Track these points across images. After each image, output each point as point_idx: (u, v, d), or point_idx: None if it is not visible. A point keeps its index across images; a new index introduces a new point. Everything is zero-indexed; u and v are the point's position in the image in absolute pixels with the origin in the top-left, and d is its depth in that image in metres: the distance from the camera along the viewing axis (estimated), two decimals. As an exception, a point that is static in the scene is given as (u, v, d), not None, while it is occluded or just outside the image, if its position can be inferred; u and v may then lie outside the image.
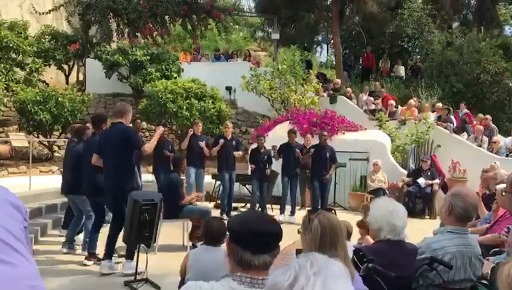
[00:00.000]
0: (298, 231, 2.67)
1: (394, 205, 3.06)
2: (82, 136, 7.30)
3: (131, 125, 6.66)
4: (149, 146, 6.27)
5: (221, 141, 9.77)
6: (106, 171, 6.10)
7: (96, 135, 6.60)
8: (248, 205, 10.72)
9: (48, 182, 10.30)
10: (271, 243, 1.81)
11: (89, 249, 6.43)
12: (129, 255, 5.97)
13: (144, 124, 14.79)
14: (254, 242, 1.76)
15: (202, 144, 10.05)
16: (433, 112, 14.04)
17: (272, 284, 1.11)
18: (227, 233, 1.87)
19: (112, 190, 6.03)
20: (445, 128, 12.97)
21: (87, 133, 7.24)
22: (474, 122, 13.81)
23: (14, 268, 1.46)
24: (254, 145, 10.87)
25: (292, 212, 9.77)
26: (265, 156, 10.02)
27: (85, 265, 6.28)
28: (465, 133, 13.08)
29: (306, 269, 1.07)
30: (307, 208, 10.05)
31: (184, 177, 9.22)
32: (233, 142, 10.11)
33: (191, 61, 18.98)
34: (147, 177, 10.82)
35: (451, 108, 14.41)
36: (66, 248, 6.94)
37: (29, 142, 12.42)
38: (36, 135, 13.86)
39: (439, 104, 14.40)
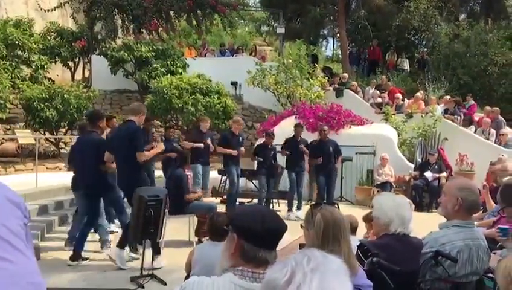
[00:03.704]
0: (301, 225, 2.64)
1: (399, 198, 3.05)
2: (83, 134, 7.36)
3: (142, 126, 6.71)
4: (143, 155, 6.09)
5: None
6: (117, 169, 6.25)
7: (92, 133, 6.55)
8: (255, 200, 10.69)
9: (54, 179, 10.33)
10: (280, 239, 1.83)
11: (76, 247, 6.32)
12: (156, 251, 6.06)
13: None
14: (270, 239, 1.77)
15: (209, 141, 9.99)
16: (438, 104, 13.94)
17: (268, 280, 1.09)
18: (233, 230, 1.83)
19: (124, 187, 6.18)
20: (453, 121, 12.87)
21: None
22: (481, 114, 13.71)
23: (12, 265, 1.45)
24: (261, 141, 10.83)
25: (298, 207, 9.76)
26: (273, 152, 9.99)
27: (69, 265, 6.15)
28: (472, 126, 12.99)
29: (303, 265, 1.04)
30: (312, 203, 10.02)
31: (189, 173, 9.21)
32: (240, 138, 10.09)
33: (196, 56, 18.94)
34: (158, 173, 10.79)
35: (459, 100, 14.31)
36: (68, 246, 6.91)
37: (35, 139, 12.44)
38: (42, 132, 13.89)
39: (447, 97, 14.30)
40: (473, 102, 14.60)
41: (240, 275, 1.74)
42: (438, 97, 14.68)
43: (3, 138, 14.25)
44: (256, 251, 1.75)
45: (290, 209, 9.74)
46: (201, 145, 9.69)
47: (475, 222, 3.55)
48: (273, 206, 10.09)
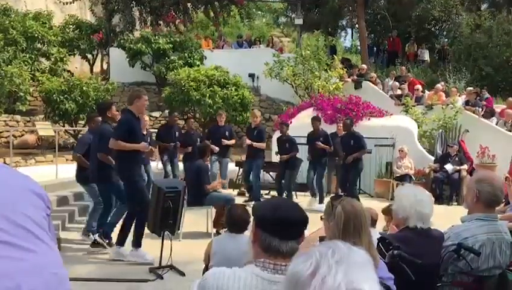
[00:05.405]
0: (321, 217, 2.61)
1: (421, 193, 2.99)
2: (90, 125, 7.42)
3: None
4: (113, 143, 5.91)
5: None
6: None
7: (104, 123, 6.61)
8: (273, 193, 10.67)
9: (74, 171, 10.38)
10: (298, 230, 1.81)
11: (105, 237, 6.43)
12: (136, 243, 6.02)
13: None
14: (283, 229, 1.75)
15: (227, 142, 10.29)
16: (460, 96, 13.73)
17: (292, 273, 1.06)
18: (253, 219, 1.85)
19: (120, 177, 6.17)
20: (474, 112, 12.67)
21: (96, 122, 7.19)
22: (503, 105, 13.45)
23: (36, 256, 1.46)
24: (278, 133, 10.81)
25: (320, 201, 9.67)
26: (287, 144, 9.96)
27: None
28: (494, 117, 12.76)
29: (327, 257, 1.01)
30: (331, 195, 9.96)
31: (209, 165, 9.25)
32: (255, 131, 10.05)
33: (213, 48, 18.92)
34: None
35: (479, 92, 14.07)
36: (82, 235, 7.02)
37: (55, 131, 12.58)
38: (62, 124, 14.04)
39: (470, 88, 14.06)
40: (488, 95, 14.26)
41: (262, 267, 1.73)
42: (459, 88, 14.45)
43: (23, 130, 14.43)
44: (270, 240, 1.74)
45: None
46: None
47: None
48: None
